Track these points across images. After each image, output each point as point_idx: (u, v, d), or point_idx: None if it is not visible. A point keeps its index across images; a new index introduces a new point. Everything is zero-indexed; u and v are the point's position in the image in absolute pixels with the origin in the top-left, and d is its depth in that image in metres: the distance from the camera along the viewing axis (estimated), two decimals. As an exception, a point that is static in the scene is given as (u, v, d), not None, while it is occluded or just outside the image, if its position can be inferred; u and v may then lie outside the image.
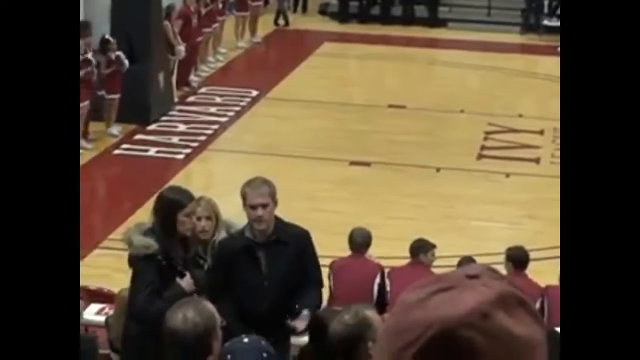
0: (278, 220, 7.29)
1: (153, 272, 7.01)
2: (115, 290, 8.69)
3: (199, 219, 7.73)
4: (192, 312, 4.69)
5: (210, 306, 4.79)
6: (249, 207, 7.14)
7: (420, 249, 10.08)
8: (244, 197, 7.18)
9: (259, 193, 7.14)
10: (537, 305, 9.26)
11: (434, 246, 10.16)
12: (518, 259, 9.80)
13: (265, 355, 4.40)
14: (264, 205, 7.11)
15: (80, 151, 13.60)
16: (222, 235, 7.73)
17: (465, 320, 1.41)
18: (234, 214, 7.84)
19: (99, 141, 15.95)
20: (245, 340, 4.53)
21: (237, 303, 7.01)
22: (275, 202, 7.19)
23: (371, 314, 5.34)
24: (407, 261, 10.15)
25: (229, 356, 4.39)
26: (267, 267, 7.24)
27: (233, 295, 7.03)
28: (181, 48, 18.31)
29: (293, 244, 7.27)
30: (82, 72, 14.39)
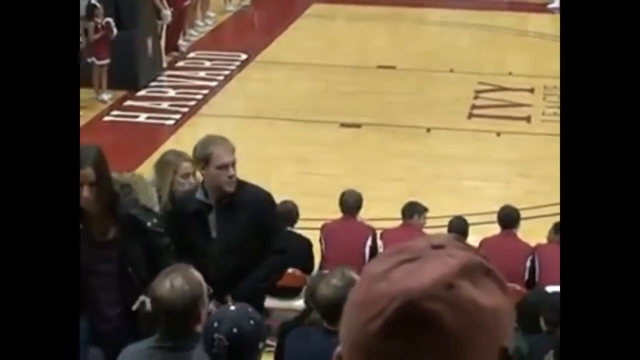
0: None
1: None
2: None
3: (187, 175, 7.24)
4: (179, 280, 4.68)
5: (197, 273, 4.78)
6: (219, 167, 6.50)
7: (413, 211, 10.10)
8: (209, 157, 6.53)
9: (227, 151, 6.57)
10: (528, 264, 9.30)
11: (425, 209, 10.19)
12: (508, 218, 9.81)
13: (252, 322, 4.40)
14: (234, 163, 6.56)
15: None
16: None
17: (429, 291, 1.40)
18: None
19: (89, 108, 15.88)
20: (232, 307, 4.54)
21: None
22: None
23: (356, 275, 5.37)
24: (398, 223, 10.16)
25: (215, 324, 4.39)
26: (218, 233, 6.67)
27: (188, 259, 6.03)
28: (167, 12, 18.19)
29: (250, 207, 6.60)
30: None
